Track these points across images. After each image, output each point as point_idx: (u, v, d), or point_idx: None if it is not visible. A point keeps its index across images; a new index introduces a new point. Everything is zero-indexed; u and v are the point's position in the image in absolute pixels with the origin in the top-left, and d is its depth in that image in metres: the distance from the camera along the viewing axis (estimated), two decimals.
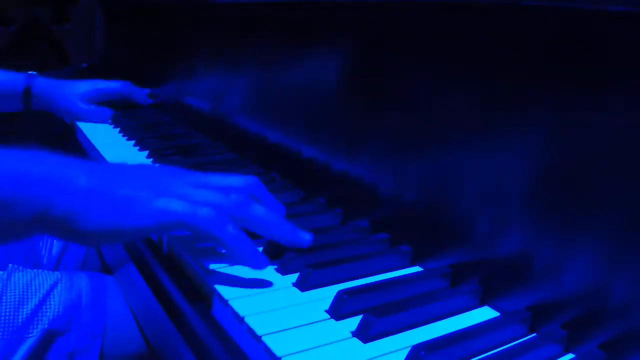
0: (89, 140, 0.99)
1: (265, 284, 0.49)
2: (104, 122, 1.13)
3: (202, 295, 0.50)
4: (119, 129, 1.08)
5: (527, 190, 0.47)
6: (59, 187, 0.43)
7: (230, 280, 0.49)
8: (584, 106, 0.43)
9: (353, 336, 0.42)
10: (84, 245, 0.65)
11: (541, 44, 0.46)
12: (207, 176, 0.51)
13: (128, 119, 1.13)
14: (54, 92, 1.12)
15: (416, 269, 0.55)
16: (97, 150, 0.93)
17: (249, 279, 0.50)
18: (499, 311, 0.48)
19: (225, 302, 0.46)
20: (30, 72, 1.13)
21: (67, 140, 1.15)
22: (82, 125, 1.10)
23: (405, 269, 0.55)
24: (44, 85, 1.12)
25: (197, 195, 0.47)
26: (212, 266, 0.51)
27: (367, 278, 0.52)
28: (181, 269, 0.54)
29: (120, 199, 0.45)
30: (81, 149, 1.03)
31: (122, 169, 0.50)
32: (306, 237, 0.50)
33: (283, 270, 0.51)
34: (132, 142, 0.97)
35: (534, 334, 0.45)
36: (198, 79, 1.10)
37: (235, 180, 0.51)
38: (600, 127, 0.42)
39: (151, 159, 0.87)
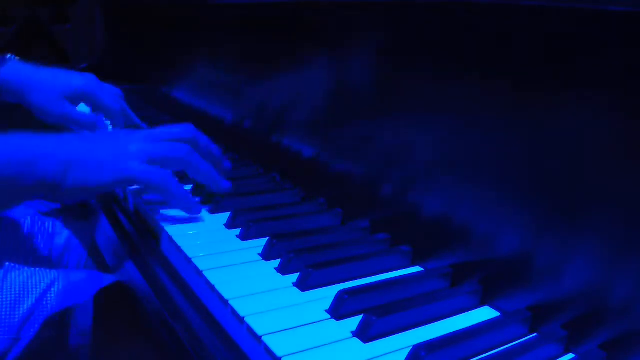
0: None
1: (265, 282, 0.49)
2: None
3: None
4: None
5: (527, 190, 0.47)
6: (48, 162, 0.57)
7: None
8: (585, 106, 0.43)
9: (353, 336, 0.42)
10: (68, 202, 0.72)
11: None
12: (154, 131, 0.63)
13: None
14: (29, 81, 0.84)
15: (416, 269, 0.55)
16: None
17: (248, 275, 0.50)
18: (499, 311, 0.48)
19: (225, 302, 0.46)
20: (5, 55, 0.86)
21: None
22: None
23: (405, 269, 0.54)
24: (17, 71, 0.84)
25: (148, 151, 0.60)
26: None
27: (367, 278, 0.52)
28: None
29: (91, 162, 0.59)
30: None
31: (91, 137, 0.64)
32: (225, 184, 0.66)
33: (283, 270, 0.51)
34: None
35: (534, 334, 0.44)
36: (197, 78, 1.10)
37: (176, 130, 0.64)
38: (603, 127, 0.42)
39: None
